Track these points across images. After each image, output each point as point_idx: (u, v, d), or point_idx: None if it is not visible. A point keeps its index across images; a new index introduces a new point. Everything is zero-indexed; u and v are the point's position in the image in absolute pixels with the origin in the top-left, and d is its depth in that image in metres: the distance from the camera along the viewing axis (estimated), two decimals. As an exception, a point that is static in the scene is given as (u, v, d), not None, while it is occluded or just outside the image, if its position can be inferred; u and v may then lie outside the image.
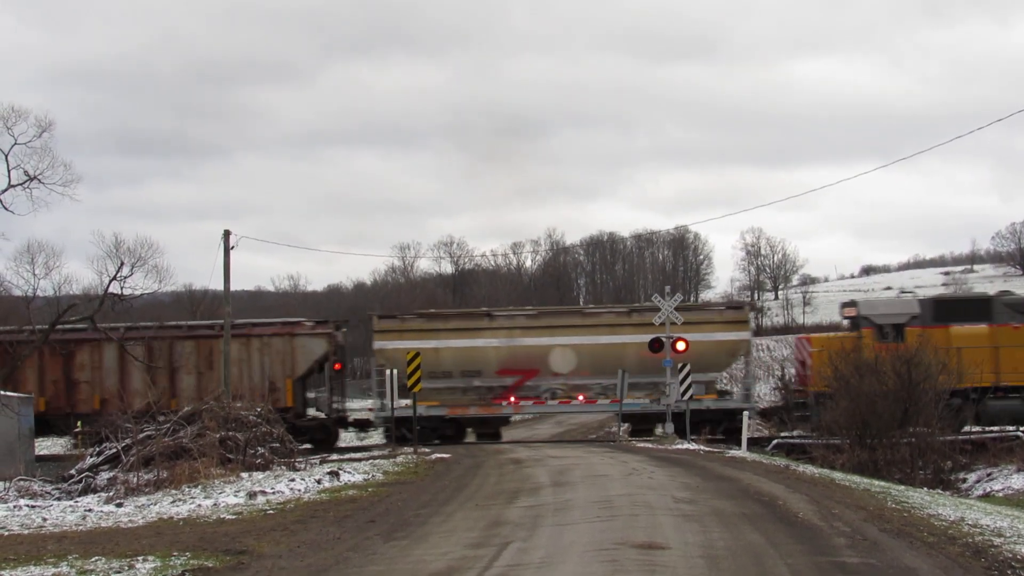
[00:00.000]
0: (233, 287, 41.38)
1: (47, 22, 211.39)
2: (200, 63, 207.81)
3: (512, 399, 41.01)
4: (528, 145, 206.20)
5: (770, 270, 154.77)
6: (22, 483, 27.69)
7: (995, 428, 39.41)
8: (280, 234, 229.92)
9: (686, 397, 37.72)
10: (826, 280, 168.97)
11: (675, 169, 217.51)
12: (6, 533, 19.45)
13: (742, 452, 32.46)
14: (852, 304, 42.72)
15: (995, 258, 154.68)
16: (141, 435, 28.00)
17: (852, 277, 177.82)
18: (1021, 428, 38.37)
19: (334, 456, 34.90)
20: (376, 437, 43.34)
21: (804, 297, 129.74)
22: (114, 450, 28.18)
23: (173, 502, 22.88)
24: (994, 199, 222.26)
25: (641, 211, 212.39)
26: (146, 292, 40.12)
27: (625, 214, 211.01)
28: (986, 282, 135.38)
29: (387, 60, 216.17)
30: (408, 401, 36.10)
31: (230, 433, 28.14)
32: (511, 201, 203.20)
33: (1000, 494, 30.33)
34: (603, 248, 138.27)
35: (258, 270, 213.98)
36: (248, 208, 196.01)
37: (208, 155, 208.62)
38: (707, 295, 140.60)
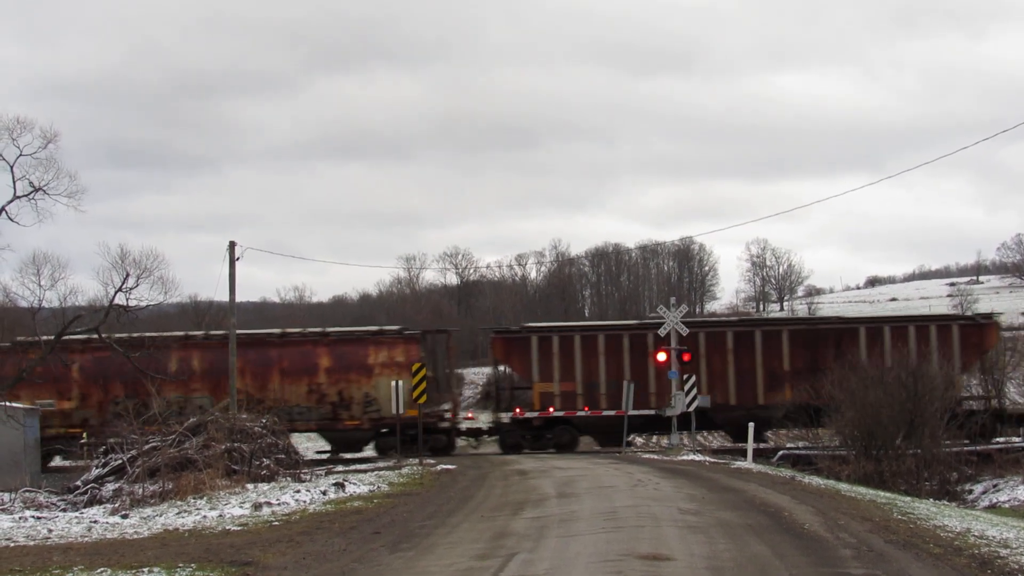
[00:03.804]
0: (238, 298, 41.43)
1: (27, 36, 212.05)
2: (182, 76, 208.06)
3: None
4: (515, 156, 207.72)
5: (775, 281, 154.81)
6: (28, 494, 27.69)
7: (1001, 439, 39.37)
8: (271, 246, 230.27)
9: (691, 408, 37.76)
10: (831, 291, 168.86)
11: (662, 181, 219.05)
12: (12, 545, 19.45)
13: (748, 463, 32.42)
14: None
15: (1001, 269, 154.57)
16: (147, 446, 28.00)
17: (857, 288, 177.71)
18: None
19: (339, 467, 34.87)
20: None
21: (809, 308, 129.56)
22: (119, 461, 28.17)
23: (178, 513, 22.87)
24: (980, 211, 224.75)
25: (633, 223, 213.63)
26: (151, 303, 40.07)
27: (617, 226, 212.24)
28: (991, 293, 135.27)
29: (370, 74, 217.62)
30: None
31: (235, 444, 28.13)
32: (502, 212, 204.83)
33: (1006, 505, 30.27)
34: (608, 259, 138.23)
35: (254, 281, 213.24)
36: (238, 220, 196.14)
37: (195, 167, 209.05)
38: (712, 306, 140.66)
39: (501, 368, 45.31)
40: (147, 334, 40.92)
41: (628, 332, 43.23)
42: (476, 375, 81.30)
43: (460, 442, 42.93)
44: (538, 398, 41.90)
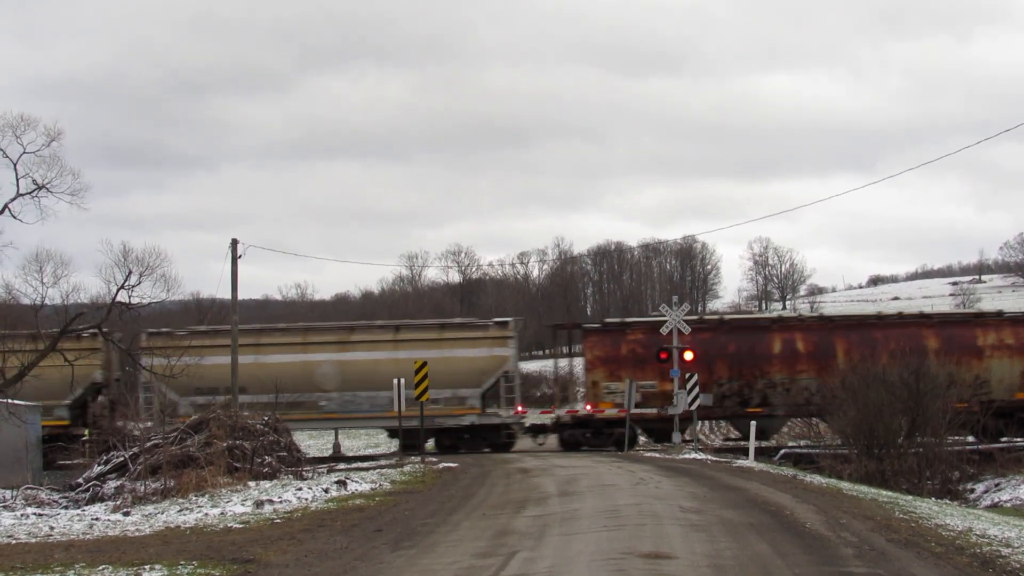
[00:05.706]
0: (240, 296, 41.40)
1: (22, 36, 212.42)
2: (174, 75, 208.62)
3: None
4: (507, 155, 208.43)
5: (778, 280, 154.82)
6: (29, 492, 27.68)
7: (1003, 439, 39.31)
8: (268, 244, 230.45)
9: (693, 407, 37.72)
10: (834, 290, 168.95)
11: (655, 180, 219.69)
12: (13, 542, 19.48)
13: (750, 462, 32.40)
14: None
15: (1003, 268, 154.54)
16: (148, 443, 28.00)
17: (860, 287, 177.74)
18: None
19: (341, 465, 34.89)
20: None
21: (812, 307, 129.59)
22: (121, 459, 28.18)
23: (180, 511, 22.90)
24: (970, 210, 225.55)
25: (628, 221, 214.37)
26: (154, 301, 40.04)
27: (612, 224, 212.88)
28: (994, 292, 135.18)
29: (360, 73, 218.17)
30: None
31: (237, 442, 28.11)
32: (497, 211, 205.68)
33: (1008, 504, 30.25)
34: (610, 258, 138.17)
35: (253, 279, 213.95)
36: (234, 218, 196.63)
37: (189, 166, 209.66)
38: (715, 305, 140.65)
39: None
40: (751, 315, 40.90)
41: None
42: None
43: None
44: None
